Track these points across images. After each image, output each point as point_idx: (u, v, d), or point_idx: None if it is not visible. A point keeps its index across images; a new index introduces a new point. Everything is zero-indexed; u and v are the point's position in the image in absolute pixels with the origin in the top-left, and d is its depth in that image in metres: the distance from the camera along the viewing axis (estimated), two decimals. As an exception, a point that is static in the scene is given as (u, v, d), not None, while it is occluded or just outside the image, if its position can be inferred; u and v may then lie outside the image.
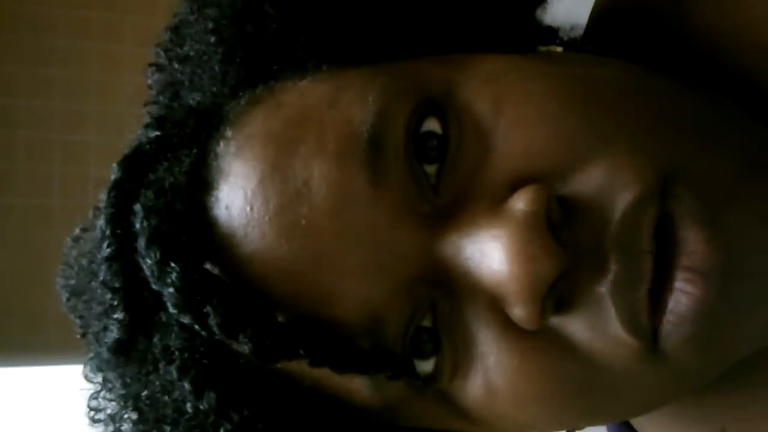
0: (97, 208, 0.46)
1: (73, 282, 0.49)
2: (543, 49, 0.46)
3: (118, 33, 2.07)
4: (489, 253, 0.36)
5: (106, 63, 2.05)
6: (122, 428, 0.46)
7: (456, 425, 0.42)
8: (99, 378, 0.47)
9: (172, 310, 0.38)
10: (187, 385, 0.40)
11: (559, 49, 0.46)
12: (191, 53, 0.45)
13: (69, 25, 2.05)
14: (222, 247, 0.39)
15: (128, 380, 0.44)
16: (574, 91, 0.38)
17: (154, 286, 0.39)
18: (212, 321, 0.37)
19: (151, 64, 0.48)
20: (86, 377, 0.47)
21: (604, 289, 0.36)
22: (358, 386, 0.39)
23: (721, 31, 0.44)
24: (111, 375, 0.45)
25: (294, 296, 0.38)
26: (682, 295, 0.35)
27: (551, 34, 0.50)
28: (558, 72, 0.40)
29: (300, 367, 0.38)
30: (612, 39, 0.49)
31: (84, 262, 0.48)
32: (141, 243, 0.39)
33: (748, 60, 0.43)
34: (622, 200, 0.36)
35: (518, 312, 0.36)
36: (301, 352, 0.37)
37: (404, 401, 0.40)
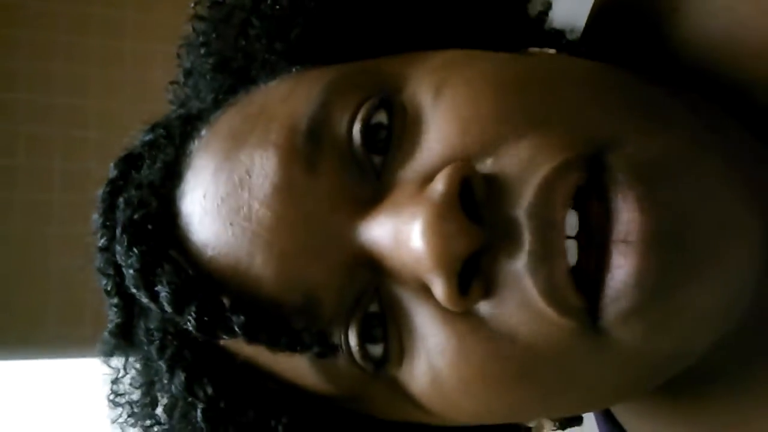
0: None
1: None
2: (534, 50, 0.47)
3: (119, 29, 2.07)
4: (405, 232, 0.37)
5: (107, 59, 2.05)
6: (139, 412, 0.49)
7: (414, 416, 0.43)
8: (117, 363, 0.50)
9: (132, 289, 0.42)
10: (163, 364, 0.44)
11: (552, 51, 0.47)
12: (193, 66, 0.49)
13: (70, 21, 2.05)
14: (182, 234, 0.43)
15: (141, 365, 0.48)
16: (512, 76, 0.39)
17: (123, 270, 0.43)
18: (162, 298, 0.41)
19: (171, 83, 0.52)
20: (103, 361, 0.51)
21: (520, 264, 0.35)
22: (303, 369, 0.41)
23: (712, 34, 0.44)
24: (125, 360, 0.49)
25: (236, 278, 0.40)
26: (616, 269, 0.35)
27: (548, 37, 0.50)
28: (505, 61, 0.41)
29: (252, 350, 0.41)
30: (606, 44, 0.50)
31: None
32: (117, 232, 0.44)
33: (737, 63, 0.43)
34: (540, 171, 0.35)
35: (437, 290, 0.37)
36: (236, 329, 0.39)
37: (359, 388, 0.42)
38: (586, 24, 0.52)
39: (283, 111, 0.41)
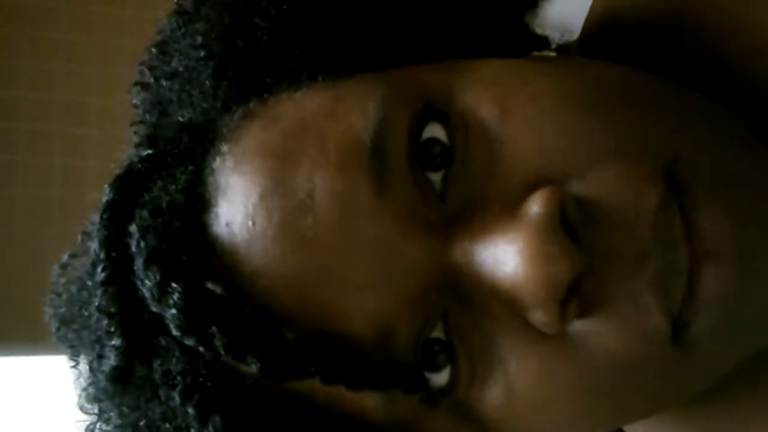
0: (85, 233, 0.45)
1: (62, 310, 0.47)
2: (537, 54, 0.46)
3: (119, 26, 2.07)
4: (504, 258, 0.35)
5: (107, 56, 2.05)
6: None
7: None
8: (95, 408, 0.45)
9: (175, 332, 0.37)
10: (191, 410, 0.38)
11: (553, 54, 0.46)
12: (180, 69, 0.43)
13: (70, 19, 2.05)
14: (224, 265, 0.38)
15: (126, 410, 0.42)
16: (578, 91, 0.38)
17: (154, 309, 0.37)
18: (218, 342, 0.36)
19: (135, 83, 0.46)
20: (81, 408, 0.45)
21: (642, 283, 0.35)
22: (372, 403, 0.38)
23: (716, 35, 0.44)
24: (108, 405, 0.43)
25: (301, 312, 0.36)
26: (707, 281, 0.35)
27: (544, 40, 0.49)
28: (558, 72, 0.40)
29: (309, 385, 0.37)
30: (607, 46, 0.49)
31: (73, 289, 0.46)
32: (138, 264, 0.38)
33: (741, 63, 0.43)
34: (650, 195, 0.35)
35: (538, 316, 0.35)
36: (313, 369, 0.35)
37: (418, 416, 0.39)
38: (584, 26, 0.52)
39: (335, 127, 0.37)
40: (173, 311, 0.36)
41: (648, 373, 0.37)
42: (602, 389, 0.37)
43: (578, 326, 0.36)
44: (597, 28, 0.51)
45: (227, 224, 0.38)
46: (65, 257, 0.48)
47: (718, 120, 0.40)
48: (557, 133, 0.36)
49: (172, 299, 0.36)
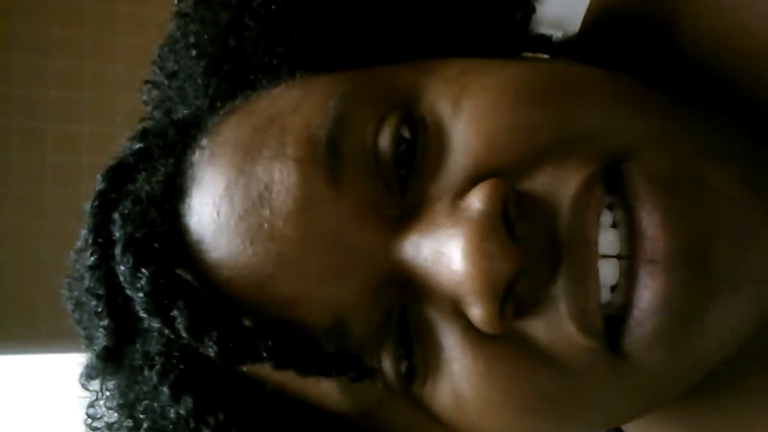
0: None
1: (75, 293, 0.49)
2: (528, 55, 0.46)
3: (112, 23, 2.06)
4: (446, 253, 0.36)
5: (100, 52, 2.04)
6: None
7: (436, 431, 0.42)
8: (95, 386, 0.47)
9: (142, 314, 0.39)
10: (166, 390, 0.40)
11: (545, 56, 0.46)
12: (178, 68, 0.46)
13: (63, 15, 2.04)
14: (193, 253, 0.40)
15: (119, 388, 0.45)
16: (531, 86, 0.38)
17: (127, 292, 0.40)
18: (179, 324, 0.38)
19: (146, 82, 0.49)
20: (82, 385, 0.48)
21: (557, 287, 0.35)
22: (328, 390, 0.39)
23: (711, 37, 0.43)
24: (102, 383, 0.46)
25: (259, 300, 0.38)
26: (644, 290, 0.34)
27: (539, 42, 0.49)
28: (517, 70, 0.40)
29: (272, 371, 0.38)
30: (603, 48, 0.49)
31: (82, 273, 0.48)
32: (117, 250, 0.40)
33: (737, 64, 0.43)
34: (568, 189, 0.35)
35: (476, 312, 0.35)
36: (264, 354, 0.37)
37: (381, 407, 0.40)
38: (581, 28, 0.52)
39: (296, 122, 0.39)
40: (140, 294, 0.39)
41: (584, 382, 0.37)
42: (543, 397, 0.37)
43: (516, 329, 0.36)
44: (593, 27, 0.51)
45: (197, 214, 0.40)
46: (79, 243, 0.49)
47: (690, 122, 0.39)
48: (504, 127, 0.37)
49: (140, 283, 0.39)
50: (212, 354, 0.37)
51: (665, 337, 0.35)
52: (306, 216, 0.37)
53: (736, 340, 0.37)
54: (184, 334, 0.37)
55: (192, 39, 0.45)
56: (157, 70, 0.48)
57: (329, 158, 0.38)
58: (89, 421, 0.48)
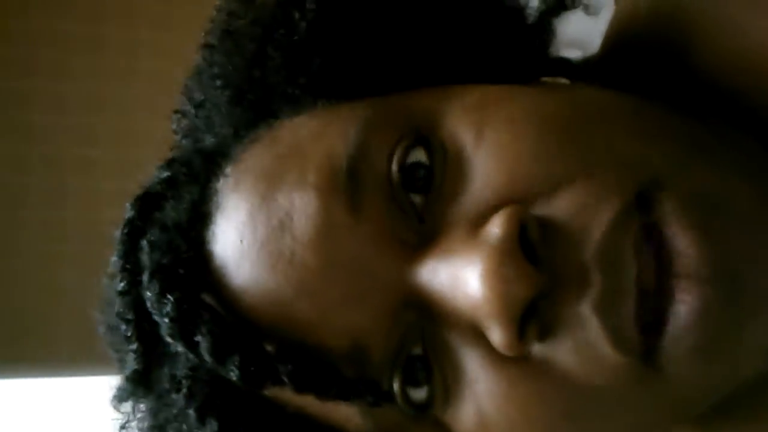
0: None
1: (108, 318, 0.50)
2: (547, 80, 0.46)
3: (133, 48, 2.08)
4: (463, 278, 0.36)
5: (121, 78, 2.07)
6: None
7: None
8: (126, 408, 0.48)
9: (167, 339, 0.40)
10: (192, 413, 0.41)
11: (564, 81, 0.47)
12: (205, 98, 0.47)
13: (84, 41, 2.07)
14: (217, 279, 0.41)
15: (153, 410, 0.46)
16: (553, 114, 0.38)
17: (154, 317, 0.41)
18: (202, 348, 0.39)
19: (175, 111, 0.50)
20: (114, 407, 0.49)
21: (587, 307, 0.35)
22: (350, 414, 0.40)
23: (727, 56, 0.44)
24: (136, 405, 0.47)
25: (280, 325, 0.39)
26: (680, 305, 0.34)
27: (559, 65, 0.50)
28: (539, 97, 0.41)
29: (295, 396, 0.39)
30: (621, 70, 0.49)
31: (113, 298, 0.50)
32: (145, 277, 0.41)
33: (755, 86, 0.43)
34: (602, 216, 0.35)
35: (495, 336, 0.36)
36: (284, 379, 0.38)
37: (403, 430, 0.40)
38: (600, 51, 0.52)
39: (318, 150, 0.40)
40: (165, 319, 0.40)
41: (613, 396, 0.37)
42: (569, 415, 0.37)
43: (540, 350, 0.36)
44: (611, 49, 0.51)
45: (222, 241, 0.41)
46: (111, 269, 0.51)
47: (710, 144, 0.40)
48: (526, 157, 0.37)
49: (166, 309, 0.40)
50: (234, 378, 0.38)
51: (702, 352, 0.35)
52: (325, 243, 0.38)
53: (764, 359, 0.38)
54: (207, 358, 0.38)
55: (217, 70, 0.46)
56: (185, 100, 0.49)
57: (349, 185, 0.38)
58: None
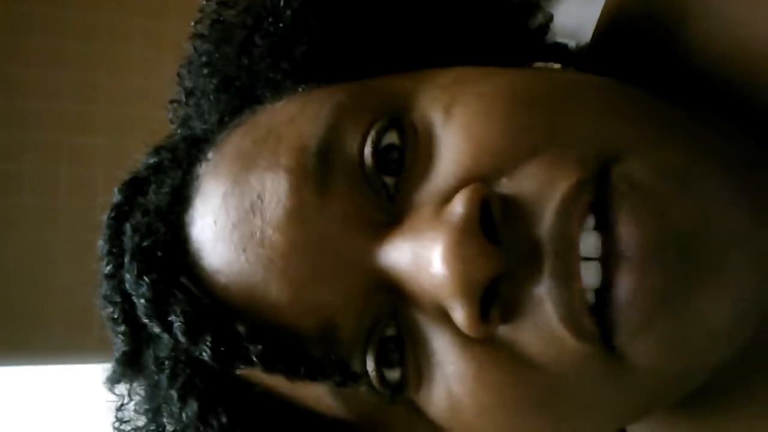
0: None
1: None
2: (539, 65, 0.46)
3: (127, 36, 2.08)
4: (425, 257, 0.36)
5: (115, 65, 2.06)
6: None
7: None
8: (121, 390, 0.49)
9: (143, 319, 0.41)
10: (174, 393, 0.42)
11: (556, 66, 0.46)
12: (194, 87, 0.48)
13: (78, 28, 2.06)
14: (193, 261, 0.42)
15: (147, 391, 0.47)
16: (521, 92, 0.38)
17: (133, 299, 0.42)
18: (176, 329, 0.39)
19: (171, 101, 0.51)
20: (108, 389, 0.50)
21: (542, 289, 0.35)
22: (320, 394, 0.40)
23: (720, 47, 0.44)
24: (131, 387, 0.48)
25: (251, 306, 0.39)
26: (620, 285, 0.34)
27: (555, 51, 0.50)
28: (512, 77, 0.40)
29: (267, 377, 0.40)
30: (613, 57, 0.49)
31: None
32: (126, 259, 0.42)
33: (745, 75, 0.43)
34: (556, 192, 0.35)
35: (458, 316, 0.36)
36: (254, 358, 0.38)
37: (378, 412, 0.41)
38: (592, 38, 0.52)
39: (291, 132, 0.40)
40: (141, 300, 0.41)
41: (581, 384, 0.37)
42: (538, 401, 0.37)
43: (505, 332, 0.36)
44: (604, 37, 0.51)
45: (198, 224, 0.42)
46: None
47: (688, 127, 0.40)
48: (491, 133, 0.37)
49: (142, 290, 0.41)
50: (206, 357, 0.39)
51: (650, 329, 0.35)
52: (294, 224, 0.38)
53: (730, 340, 0.37)
54: (180, 338, 0.39)
55: (206, 58, 0.47)
56: (180, 89, 0.50)
57: (318, 168, 0.39)
58: (117, 423, 0.49)
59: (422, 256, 0.36)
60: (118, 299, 0.44)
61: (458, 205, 0.36)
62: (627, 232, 0.34)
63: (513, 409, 0.37)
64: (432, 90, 0.40)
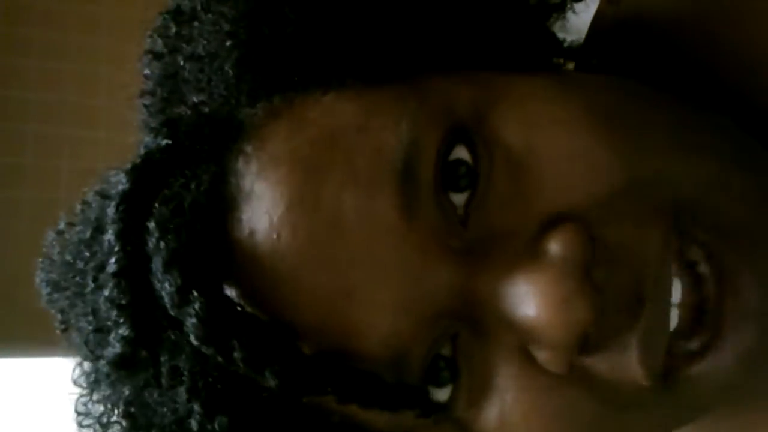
0: (85, 203, 0.45)
1: (55, 276, 0.47)
2: (557, 61, 0.46)
3: (128, 29, 2.07)
4: (526, 299, 0.35)
5: (115, 57, 2.06)
6: None
7: None
8: (89, 382, 0.45)
9: (194, 341, 0.36)
10: (197, 407, 0.38)
11: (571, 64, 0.46)
12: (200, 52, 0.42)
13: (79, 21, 2.06)
14: (244, 273, 0.37)
15: (124, 390, 0.42)
16: (602, 119, 0.38)
17: (172, 312, 0.37)
18: (237, 355, 0.35)
19: (147, 51, 0.45)
20: (75, 382, 0.46)
21: (634, 337, 0.35)
22: (375, 416, 0.38)
23: (724, 47, 0.43)
24: (106, 388, 0.44)
25: (320, 329, 0.36)
26: (728, 341, 0.35)
27: (558, 45, 0.49)
28: (583, 97, 0.39)
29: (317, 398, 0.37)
30: (616, 53, 0.49)
31: (69, 257, 0.46)
32: (157, 265, 0.37)
33: (750, 76, 0.43)
34: (652, 242, 0.35)
35: (550, 358, 0.35)
36: (329, 389, 0.35)
37: (420, 428, 0.39)
38: (589, 31, 0.52)
39: (366, 144, 0.37)
40: (193, 320, 0.36)
41: (629, 414, 0.37)
42: (588, 427, 0.38)
43: (578, 364, 0.36)
44: (605, 36, 0.50)
45: (250, 233, 0.37)
46: (62, 224, 0.48)
47: (721, 145, 0.40)
48: (579, 164, 0.36)
49: (193, 308, 0.36)
50: (273, 386, 0.35)
51: (727, 382, 0.37)
52: (377, 246, 0.36)
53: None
54: (241, 366, 0.35)
55: (223, 24, 0.41)
56: (160, 41, 0.45)
57: (404, 186, 0.36)
58: (80, 418, 0.46)
59: (520, 297, 0.35)
60: (125, 302, 0.38)
61: (557, 246, 0.35)
62: (746, 291, 0.35)
63: None
64: (500, 105, 0.38)
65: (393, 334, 0.36)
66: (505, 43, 0.43)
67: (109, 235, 0.39)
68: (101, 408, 0.45)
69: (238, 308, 0.36)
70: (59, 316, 0.46)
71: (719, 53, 0.44)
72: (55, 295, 0.47)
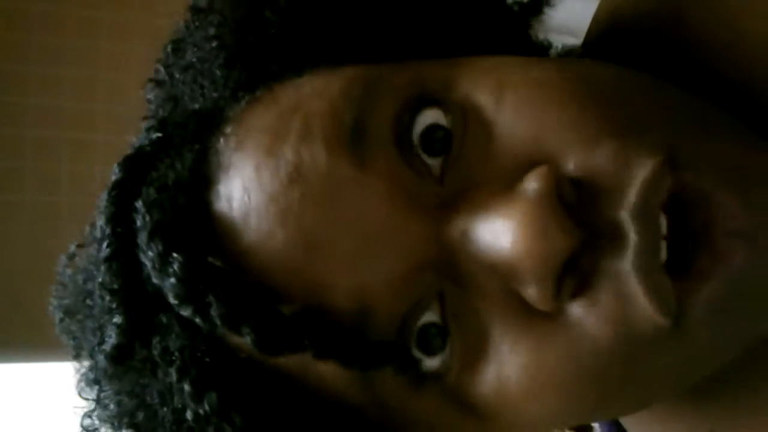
0: (92, 225, 0.46)
1: (67, 302, 0.48)
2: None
3: (127, 33, 2.07)
4: (501, 232, 0.35)
5: (115, 62, 2.06)
6: None
7: (461, 425, 0.41)
8: (93, 395, 0.46)
9: (173, 300, 0.37)
10: (187, 387, 0.39)
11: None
12: (193, 61, 0.45)
13: (78, 25, 2.06)
14: (224, 239, 0.39)
15: (124, 396, 0.43)
16: (572, 83, 0.38)
17: (154, 280, 0.38)
18: (214, 312, 0.36)
19: (150, 80, 0.48)
20: (80, 394, 0.47)
21: (627, 263, 0.35)
22: (340, 379, 0.38)
23: (719, 41, 0.44)
24: (106, 389, 0.45)
25: (291, 286, 0.37)
26: (723, 263, 0.35)
27: (546, 47, 0.50)
28: (555, 65, 0.40)
29: (287, 362, 0.37)
30: (611, 52, 0.49)
31: (79, 279, 0.47)
32: (142, 238, 0.39)
33: (745, 69, 0.43)
34: (637, 175, 0.35)
35: (532, 291, 0.35)
36: (307, 343, 0.36)
37: (402, 400, 0.39)
38: (587, 34, 0.52)
39: (322, 106, 0.39)
40: (172, 280, 0.37)
41: (639, 358, 0.37)
42: (593, 375, 0.37)
43: (571, 308, 0.36)
44: (601, 34, 0.51)
45: (227, 200, 0.39)
46: (72, 248, 0.50)
47: (718, 120, 0.40)
48: (553, 116, 0.37)
49: (172, 269, 0.37)
50: (250, 343, 0.36)
51: (730, 313, 0.36)
52: (334, 198, 0.37)
53: None
54: (218, 323, 0.36)
55: (210, 31, 0.44)
56: (162, 69, 0.48)
57: (354, 139, 0.37)
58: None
59: (496, 231, 0.35)
60: (117, 286, 0.40)
61: (533, 182, 0.35)
62: (733, 211, 0.35)
63: (566, 387, 0.37)
64: (471, 74, 0.39)
65: (354, 288, 0.36)
66: (479, 36, 0.45)
67: (101, 222, 0.41)
68: (104, 421, 0.45)
69: (216, 269, 0.37)
70: (71, 343, 0.47)
71: (699, 40, 0.45)
72: (66, 321, 0.48)
